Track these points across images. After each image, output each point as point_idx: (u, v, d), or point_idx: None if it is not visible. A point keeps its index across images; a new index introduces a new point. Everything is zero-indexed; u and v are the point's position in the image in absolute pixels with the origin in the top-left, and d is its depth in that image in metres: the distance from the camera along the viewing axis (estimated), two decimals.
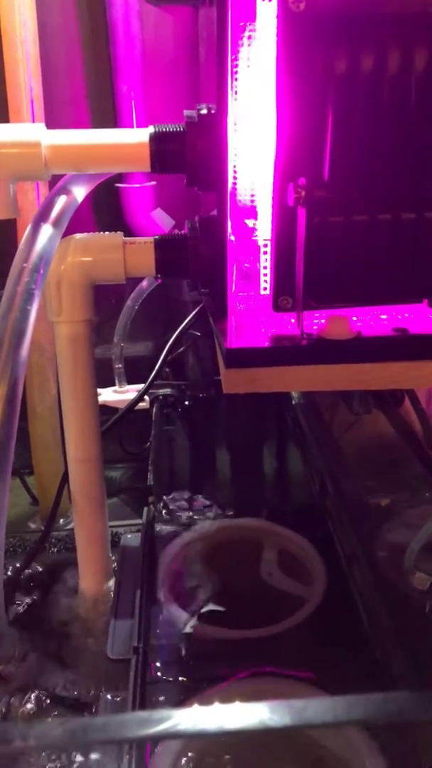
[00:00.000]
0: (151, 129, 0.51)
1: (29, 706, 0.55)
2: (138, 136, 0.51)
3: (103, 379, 0.93)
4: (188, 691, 0.54)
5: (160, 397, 0.98)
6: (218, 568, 0.71)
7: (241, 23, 0.45)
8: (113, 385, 0.99)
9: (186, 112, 0.50)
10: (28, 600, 0.69)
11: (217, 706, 0.25)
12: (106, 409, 0.84)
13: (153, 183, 0.96)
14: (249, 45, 0.45)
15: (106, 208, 0.99)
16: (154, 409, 0.97)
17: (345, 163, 0.44)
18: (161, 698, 0.53)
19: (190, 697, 0.53)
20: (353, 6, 0.41)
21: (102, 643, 0.59)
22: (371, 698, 0.26)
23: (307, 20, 0.41)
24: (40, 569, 0.74)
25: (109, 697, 0.52)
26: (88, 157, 0.52)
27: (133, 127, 0.93)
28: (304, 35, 0.42)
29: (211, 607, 0.65)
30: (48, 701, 0.56)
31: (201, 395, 1.00)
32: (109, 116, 0.96)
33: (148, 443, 0.91)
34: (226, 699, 0.53)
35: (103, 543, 0.68)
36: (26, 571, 0.73)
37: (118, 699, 0.51)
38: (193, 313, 0.82)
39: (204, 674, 0.56)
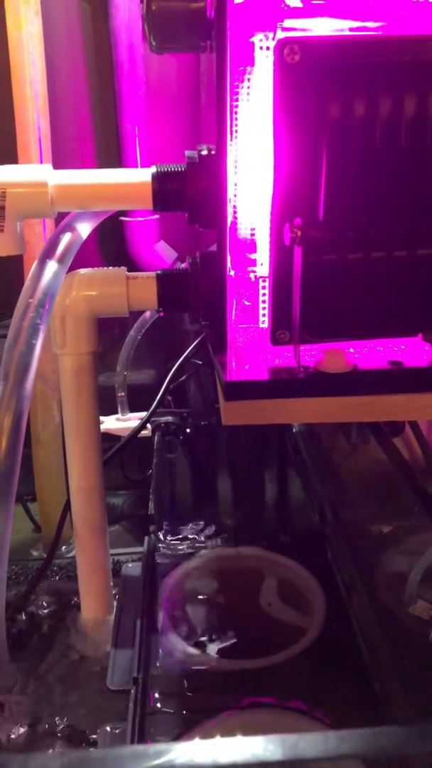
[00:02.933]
0: (153, 169, 0.52)
1: (28, 736, 0.55)
2: (140, 175, 0.53)
3: (106, 406, 0.94)
4: (187, 722, 0.54)
5: (162, 425, 0.99)
6: (218, 598, 0.71)
7: (240, 68, 0.47)
8: (116, 413, 1.00)
9: (187, 153, 0.52)
10: (29, 628, 0.69)
11: (212, 741, 0.26)
12: (108, 437, 0.85)
13: (156, 217, 0.98)
14: (247, 89, 0.47)
15: (110, 240, 1.01)
16: (156, 436, 0.98)
17: (339, 203, 0.46)
18: (160, 729, 0.53)
19: (190, 728, 0.53)
20: (345, 57, 0.43)
21: (102, 673, 0.59)
22: (364, 732, 0.26)
23: (302, 71, 0.43)
24: (42, 597, 0.74)
25: (108, 728, 0.52)
26: (93, 196, 0.53)
27: (136, 163, 0.96)
28: (299, 84, 0.43)
29: (211, 637, 0.65)
30: (47, 732, 0.56)
31: (202, 423, 1.01)
32: (113, 153, 0.99)
33: (150, 471, 0.92)
34: (225, 731, 0.52)
35: (104, 571, 0.68)
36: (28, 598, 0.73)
37: (118, 731, 0.51)
38: (195, 342, 0.83)
39: (203, 705, 0.56)
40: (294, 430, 0.99)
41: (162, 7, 0.47)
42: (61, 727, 0.56)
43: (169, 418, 1.00)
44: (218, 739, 0.26)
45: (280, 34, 0.45)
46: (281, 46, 0.43)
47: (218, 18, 0.45)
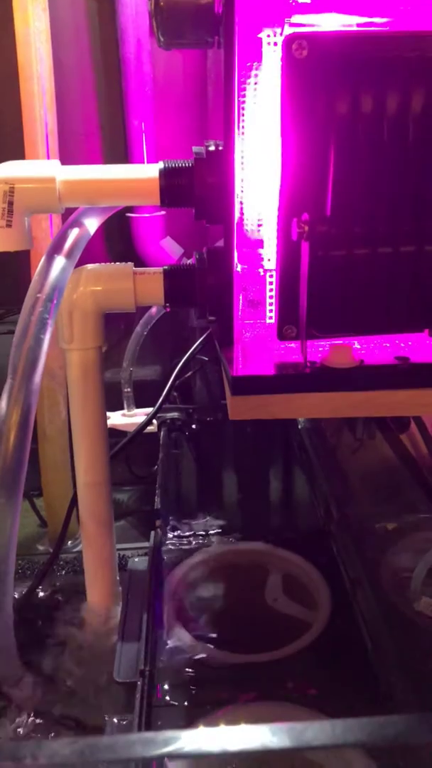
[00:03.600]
0: (160, 164, 0.53)
1: (35, 727, 0.56)
2: (148, 171, 0.53)
3: (112, 402, 0.95)
4: (194, 714, 0.54)
5: (168, 421, 1.00)
6: (224, 592, 0.71)
7: (248, 64, 0.47)
8: (122, 408, 1.00)
9: (194, 149, 0.52)
10: (35, 622, 0.70)
11: (220, 729, 0.26)
12: (114, 432, 0.85)
13: (162, 212, 0.99)
14: (255, 85, 0.47)
15: (117, 236, 1.02)
16: (162, 432, 0.98)
17: (346, 199, 0.46)
18: (167, 722, 0.53)
19: (195, 720, 0.54)
20: (352, 52, 0.44)
21: (109, 665, 0.59)
22: (370, 721, 0.27)
23: (310, 66, 0.43)
24: (48, 591, 0.75)
25: (115, 720, 0.52)
26: (100, 192, 0.54)
27: (143, 158, 0.96)
28: (307, 79, 0.44)
29: (216, 631, 0.65)
30: (54, 723, 0.56)
31: (208, 419, 1.01)
32: (120, 149, 0.99)
33: (156, 466, 0.92)
34: (231, 723, 0.53)
35: (110, 566, 0.68)
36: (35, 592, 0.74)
37: (125, 722, 0.52)
38: (201, 338, 0.84)
39: (209, 698, 0.56)
40: (299, 426, 0.99)
41: (170, 2, 0.47)
42: (68, 718, 0.56)
43: (175, 414, 1.01)
44: (226, 728, 0.26)
45: (288, 30, 0.45)
46: (290, 41, 0.43)
47: (226, 13, 0.45)
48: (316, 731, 0.25)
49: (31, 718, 0.55)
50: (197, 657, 0.61)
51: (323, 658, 0.62)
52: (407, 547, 0.76)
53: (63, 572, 0.82)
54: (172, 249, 1.02)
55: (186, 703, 0.56)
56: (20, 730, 0.54)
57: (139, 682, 0.53)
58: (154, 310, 0.94)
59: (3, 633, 0.51)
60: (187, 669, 0.60)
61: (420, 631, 0.63)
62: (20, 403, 0.47)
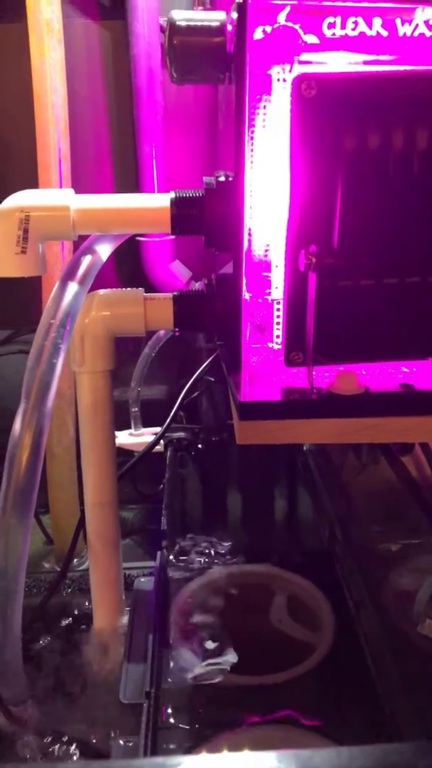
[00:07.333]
0: (171, 194, 0.54)
1: (41, 748, 0.56)
2: (159, 200, 0.55)
3: (120, 421, 0.96)
4: (199, 736, 0.55)
5: (174, 441, 1.00)
6: (229, 614, 0.71)
7: (258, 97, 0.49)
8: (129, 427, 1.01)
9: (205, 179, 0.54)
10: (41, 641, 0.70)
11: (226, 755, 0.27)
12: (121, 452, 0.86)
13: (172, 237, 1.00)
14: (264, 119, 0.49)
15: (126, 260, 1.03)
16: (168, 452, 0.99)
17: (353, 231, 0.47)
18: (172, 744, 0.53)
19: (201, 743, 0.54)
20: (359, 92, 0.45)
21: (115, 686, 0.60)
22: (375, 748, 0.27)
23: (318, 104, 0.45)
24: (55, 610, 0.75)
25: (121, 741, 0.53)
26: (113, 220, 0.55)
27: (153, 184, 0.98)
28: (315, 118, 0.45)
29: (222, 653, 0.65)
30: (60, 744, 0.56)
31: (214, 439, 1.02)
32: (131, 175, 1.01)
33: (162, 485, 0.93)
34: (236, 746, 0.53)
35: (117, 585, 0.69)
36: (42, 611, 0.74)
37: (131, 744, 0.52)
38: (209, 360, 0.85)
39: (215, 720, 0.56)
40: (304, 448, 0.99)
41: (184, 41, 0.49)
42: (74, 739, 0.56)
43: (182, 434, 1.01)
44: (234, 754, 0.27)
45: (297, 68, 0.47)
46: (299, 81, 0.45)
47: (238, 53, 0.46)
48: (322, 758, 0.25)
49: (37, 739, 0.56)
50: (202, 679, 0.62)
51: (327, 681, 0.62)
52: (411, 568, 0.76)
53: (69, 590, 0.82)
54: (180, 272, 1.04)
55: (191, 725, 0.56)
56: (29, 752, 0.54)
57: (145, 704, 0.54)
58: (162, 332, 0.95)
59: (11, 652, 0.52)
60: (192, 691, 0.60)
61: (423, 654, 0.63)
62: (33, 426, 0.48)
